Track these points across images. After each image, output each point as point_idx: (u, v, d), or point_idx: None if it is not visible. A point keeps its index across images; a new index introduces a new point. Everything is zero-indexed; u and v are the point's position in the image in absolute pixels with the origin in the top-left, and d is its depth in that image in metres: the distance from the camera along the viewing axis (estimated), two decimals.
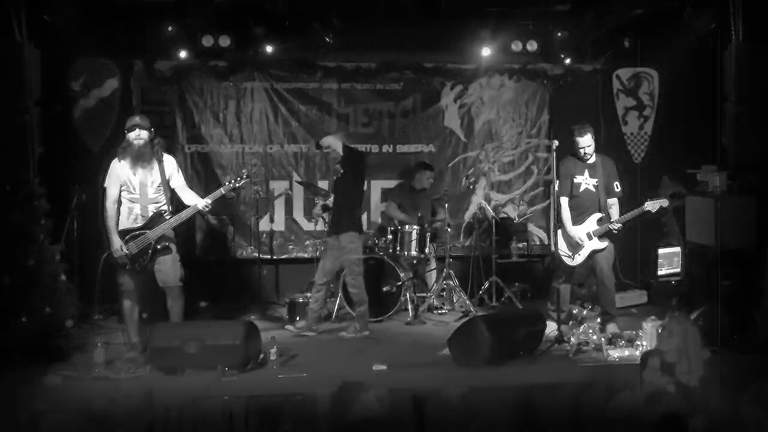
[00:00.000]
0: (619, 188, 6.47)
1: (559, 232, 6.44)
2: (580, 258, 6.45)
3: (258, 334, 5.63)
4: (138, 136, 5.75)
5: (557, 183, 6.33)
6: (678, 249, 7.68)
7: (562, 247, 6.43)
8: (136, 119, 5.83)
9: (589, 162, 6.42)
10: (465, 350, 5.56)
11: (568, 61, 8.21)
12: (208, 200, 5.84)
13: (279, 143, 8.31)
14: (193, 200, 5.88)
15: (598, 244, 6.38)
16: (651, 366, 4.43)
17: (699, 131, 7.75)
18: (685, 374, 4.24)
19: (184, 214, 5.83)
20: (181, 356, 5.28)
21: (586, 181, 6.42)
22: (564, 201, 6.40)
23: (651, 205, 6.29)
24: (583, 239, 6.39)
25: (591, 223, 6.40)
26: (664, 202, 6.34)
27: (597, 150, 6.50)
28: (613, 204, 6.44)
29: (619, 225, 6.33)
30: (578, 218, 6.43)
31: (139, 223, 5.77)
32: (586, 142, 6.35)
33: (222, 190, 5.91)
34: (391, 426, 3.89)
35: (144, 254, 5.73)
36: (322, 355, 6.03)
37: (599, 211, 6.41)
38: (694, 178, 7.27)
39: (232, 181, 5.92)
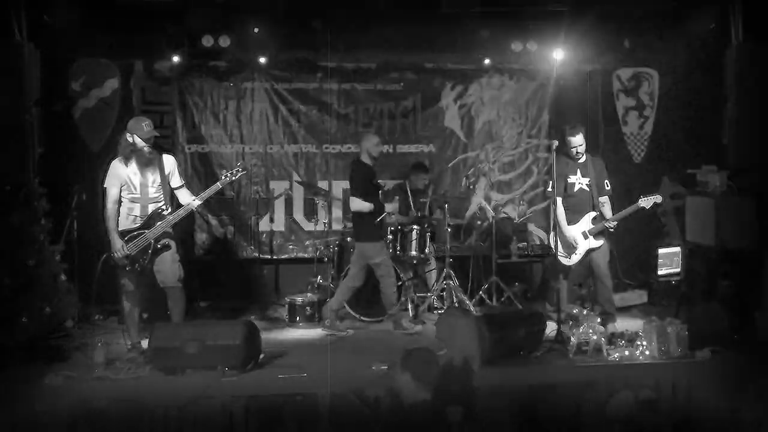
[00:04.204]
0: (609, 186, 6.54)
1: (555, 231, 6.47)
2: (576, 257, 6.48)
3: (258, 334, 5.63)
4: (148, 140, 5.74)
5: (550, 184, 6.37)
6: (678, 249, 7.68)
7: (559, 247, 6.45)
8: (148, 124, 5.77)
9: (580, 161, 6.48)
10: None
11: (568, 61, 8.21)
12: (198, 200, 5.84)
13: (279, 143, 8.30)
14: (188, 199, 5.87)
15: (593, 242, 6.43)
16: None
17: (699, 131, 7.76)
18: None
19: (181, 211, 5.82)
20: (181, 356, 5.28)
21: (579, 181, 6.48)
22: (558, 201, 6.43)
23: (645, 202, 6.33)
24: (579, 238, 6.43)
25: (586, 222, 6.46)
26: (658, 198, 6.36)
27: (592, 150, 6.53)
28: (605, 202, 6.52)
29: (615, 222, 6.38)
30: (573, 218, 6.48)
31: (138, 223, 5.76)
32: (578, 141, 6.40)
33: (219, 184, 5.89)
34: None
35: (143, 254, 5.72)
36: (322, 355, 6.02)
37: (593, 210, 6.46)
38: (694, 178, 7.28)
39: (228, 174, 5.90)
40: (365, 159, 6.86)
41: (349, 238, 7.50)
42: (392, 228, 7.47)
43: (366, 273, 6.84)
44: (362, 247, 6.80)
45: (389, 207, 7.00)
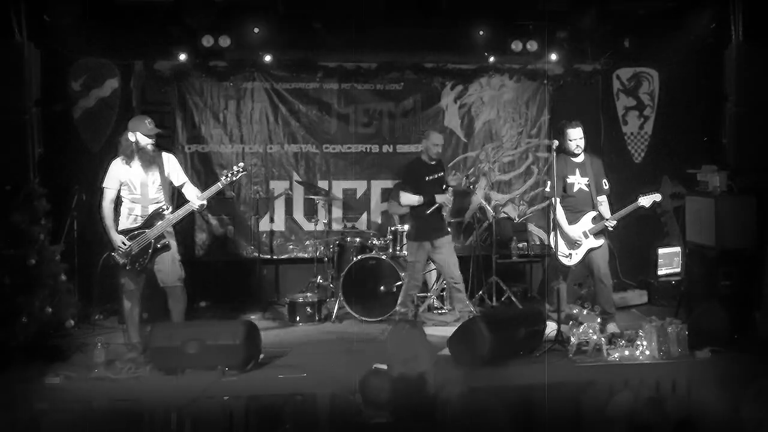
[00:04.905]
0: (607, 185, 6.54)
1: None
2: (576, 257, 6.48)
3: (258, 334, 5.62)
4: (152, 138, 5.74)
5: (549, 184, 6.36)
6: (678, 249, 7.68)
7: (559, 247, 6.44)
8: (150, 121, 5.77)
9: (578, 161, 6.47)
10: (465, 350, 5.56)
11: (568, 61, 8.22)
12: (203, 201, 5.85)
13: (279, 143, 8.30)
14: (194, 195, 5.87)
15: (594, 242, 6.43)
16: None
17: (699, 131, 7.76)
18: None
19: (182, 211, 5.83)
20: (181, 356, 5.28)
21: (578, 181, 6.47)
22: (557, 201, 6.42)
23: (645, 200, 6.33)
24: (579, 238, 6.42)
25: (586, 221, 6.45)
26: (657, 197, 6.36)
27: (591, 149, 6.52)
28: (603, 201, 6.51)
29: (615, 222, 6.37)
30: (573, 218, 6.47)
31: (138, 223, 5.76)
32: (578, 134, 6.40)
33: (219, 184, 5.89)
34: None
35: (144, 254, 5.72)
36: (322, 355, 6.02)
37: (593, 210, 6.45)
38: (694, 178, 7.28)
39: (229, 174, 5.90)
40: (423, 156, 6.96)
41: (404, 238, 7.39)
42: (392, 228, 7.48)
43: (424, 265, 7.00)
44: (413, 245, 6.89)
45: (440, 198, 6.89)
